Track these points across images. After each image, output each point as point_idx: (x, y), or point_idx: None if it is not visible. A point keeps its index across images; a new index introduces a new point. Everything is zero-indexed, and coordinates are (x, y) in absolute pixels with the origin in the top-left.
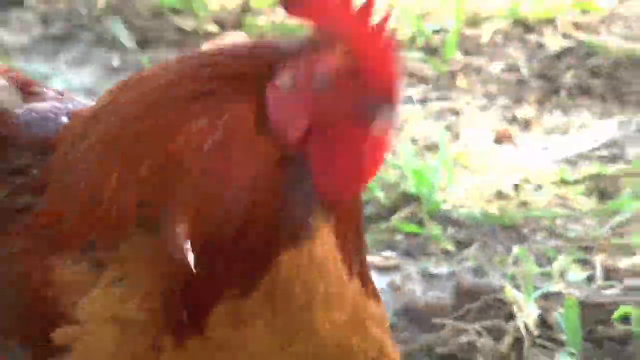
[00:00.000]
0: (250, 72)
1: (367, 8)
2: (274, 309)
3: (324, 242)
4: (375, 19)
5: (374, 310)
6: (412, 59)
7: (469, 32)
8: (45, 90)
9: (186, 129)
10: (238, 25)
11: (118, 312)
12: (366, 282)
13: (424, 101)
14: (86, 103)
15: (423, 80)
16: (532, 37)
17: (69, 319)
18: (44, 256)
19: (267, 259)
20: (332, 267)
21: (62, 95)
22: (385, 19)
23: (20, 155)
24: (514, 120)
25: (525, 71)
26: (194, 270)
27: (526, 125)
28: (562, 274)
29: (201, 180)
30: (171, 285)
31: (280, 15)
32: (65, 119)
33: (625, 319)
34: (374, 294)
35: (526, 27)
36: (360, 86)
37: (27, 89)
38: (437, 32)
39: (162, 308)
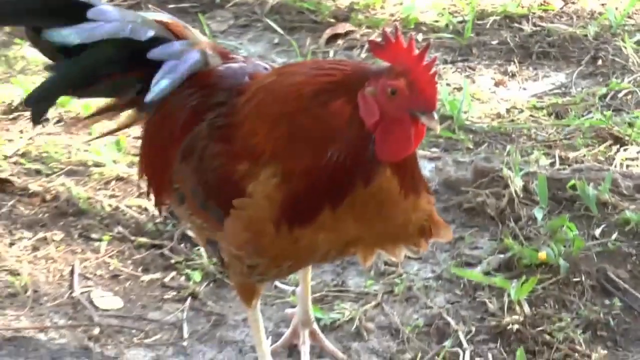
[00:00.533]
0: (350, 82)
1: (422, 52)
2: (360, 214)
3: (385, 180)
4: (425, 57)
5: (423, 199)
6: (446, 37)
7: (478, 21)
8: (236, 56)
9: (314, 109)
10: (347, 19)
11: (269, 194)
12: (418, 189)
13: (453, 62)
14: (259, 63)
15: (452, 49)
16: (515, 25)
17: (243, 194)
18: (234, 155)
19: (347, 189)
20: (394, 190)
21: (246, 59)
22: (433, 60)
23: (221, 94)
24: (505, 73)
25: (511, 44)
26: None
27: (512, 76)
28: (536, 161)
29: (316, 139)
30: (293, 198)
31: (374, 12)
32: (246, 75)
33: (573, 187)
34: (425, 188)
35: (512, 19)
36: (413, 99)
37: (225, 56)
38: (460, 22)
39: (286, 208)
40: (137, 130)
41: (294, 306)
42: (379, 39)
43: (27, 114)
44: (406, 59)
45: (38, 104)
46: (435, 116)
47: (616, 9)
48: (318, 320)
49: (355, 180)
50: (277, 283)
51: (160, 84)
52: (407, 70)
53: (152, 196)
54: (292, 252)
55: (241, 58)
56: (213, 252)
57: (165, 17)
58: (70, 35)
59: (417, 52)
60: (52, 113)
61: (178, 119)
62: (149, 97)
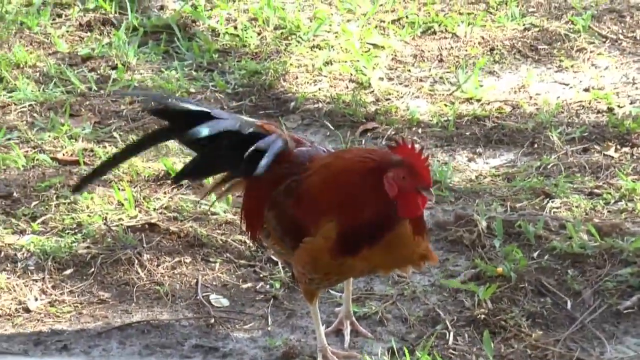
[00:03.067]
0: (378, 167)
1: (420, 151)
2: (385, 248)
3: (404, 227)
4: (422, 154)
5: (424, 242)
6: (436, 130)
7: (458, 120)
8: (305, 141)
9: (354, 185)
10: (373, 119)
11: (326, 235)
12: (422, 232)
13: (441, 146)
14: (320, 147)
15: (440, 138)
16: (481, 122)
17: (307, 234)
18: (303, 209)
19: (383, 234)
20: (407, 234)
21: (311, 145)
22: (426, 157)
23: (294, 168)
24: (475, 153)
25: (479, 135)
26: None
27: (479, 155)
28: (495, 209)
29: (360, 203)
30: (343, 238)
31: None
32: (311, 156)
33: (519, 226)
34: (425, 232)
35: (479, 118)
36: (417, 181)
37: (298, 142)
38: (445, 120)
39: (338, 245)
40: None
41: (340, 304)
42: (393, 143)
43: (169, 181)
44: (410, 156)
45: (184, 178)
46: (432, 191)
47: (545, 111)
48: (355, 313)
49: (385, 229)
50: (329, 290)
51: (263, 163)
52: (411, 164)
53: (249, 234)
54: (337, 271)
55: (308, 143)
56: (288, 268)
57: (259, 121)
58: (203, 129)
59: (417, 151)
60: (184, 180)
61: (269, 183)
62: (259, 170)
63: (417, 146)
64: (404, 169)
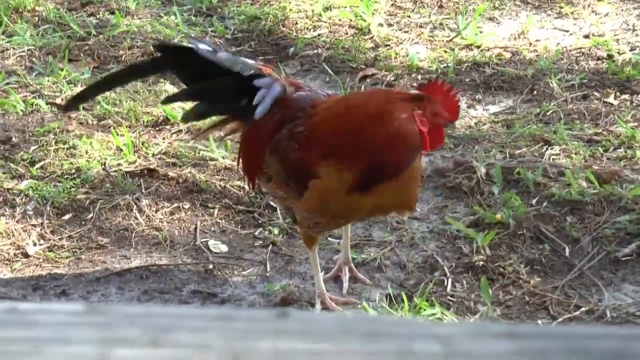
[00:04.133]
0: (408, 105)
1: (449, 88)
2: (398, 185)
3: (417, 164)
4: (451, 91)
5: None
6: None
7: (457, 66)
8: (303, 86)
9: (375, 121)
10: (373, 65)
11: (339, 175)
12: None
13: None
14: (319, 92)
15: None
16: (481, 68)
17: (316, 176)
18: (308, 150)
19: (401, 170)
20: (419, 170)
21: (310, 89)
22: (456, 92)
23: (295, 112)
24: (475, 99)
25: (478, 81)
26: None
27: (479, 101)
28: (494, 156)
29: (379, 140)
30: (360, 175)
31: (390, 61)
32: (312, 100)
33: (518, 173)
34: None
35: (478, 64)
36: (449, 116)
37: (297, 86)
38: (445, 67)
39: (354, 181)
40: (237, 136)
41: (338, 251)
42: (424, 81)
43: (168, 127)
44: (441, 93)
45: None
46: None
47: (545, 58)
48: (353, 259)
49: (405, 166)
50: (327, 237)
51: (261, 108)
52: (443, 102)
53: (247, 179)
54: (346, 213)
55: (307, 88)
56: (287, 214)
57: (258, 63)
58: (202, 46)
59: (446, 88)
60: (183, 125)
61: (268, 128)
62: (257, 114)
63: (446, 84)
64: (436, 105)
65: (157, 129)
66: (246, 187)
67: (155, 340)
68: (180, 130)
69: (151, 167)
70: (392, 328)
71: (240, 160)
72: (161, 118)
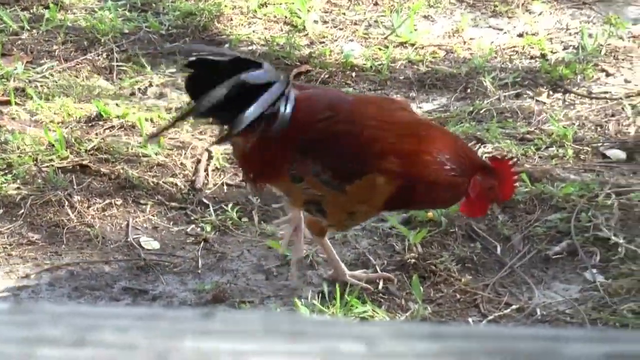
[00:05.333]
0: (472, 171)
1: (515, 173)
2: None
3: None
4: (515, 177)
5: None
6: (370, 74)
7: (391, 64)
8: (305, 85)
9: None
10: (307, 62)
11: (385, 190)
12: None
13: (375, 90)
14: (331, 90)
15: (374, 82)
16: (415, 66)
17: (370, 172)
18: (368, 148)
19: (427, 207)
20: None
21: (317, 87)
22: (516, 170)
23: (318, 110)
24: (409, 97)
25: (412, 79)
26: None
27: (413, 99)
28: None
29: (433, 174)
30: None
31: (324, 58)
32: (334, 97)
33: None
34: None
35: (413, 62)
36: (501, 196)
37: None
38: (379, 64)
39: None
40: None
41: (270, 248)
42: (498, 156)
43: (101, 122)
44: (505, 173)
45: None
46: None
47: (479, 56)
48: (285, 256)
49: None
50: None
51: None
52: (504, 181)
53: (258, 181)
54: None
55: (309, 86)
56: (312, 209)
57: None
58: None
59: (513, 171)
60: (116, 121)
61: (292, 129)
62: (237, 126)
63: (516, 167)
64: (496, 180)
65: (90, 124)
66: (179, 183)
67: (80, 340)
68: (113, 126)
69: (83, 163)
70: (317, 328)
71: (253, 166)
72: (94, 114)
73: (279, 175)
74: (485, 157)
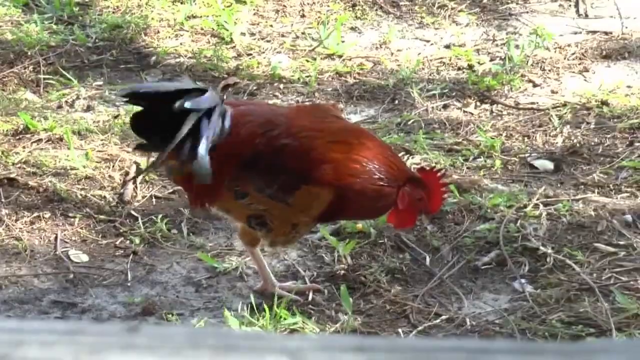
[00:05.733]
0: (400, 178)
1: (443, 184)
2: None
3: None
4: (444, 189)
5: None
6: (298, 86)
7: (319, 76)
8: (237, 101)
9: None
10: (235, 74)
11: (322, 202)
12: None
13: (303, 102)
14: (264, 104)
15: (302, 94)
16: (343, 78)
17: (309, 182)
18: (307, 158)
19: (356, 218)
20: None
21: (250, 102)
22: (445, 181)
23: (260, 125)
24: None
25: (340, 91)
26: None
27: (341, 110)
28: None
29: (365, 185)
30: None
31: (252, 70)
32: (271, 113)
33: None
34: None
35: (340, 74)
36: (430, 208)
37: (234, 105)
38: (307, 76)
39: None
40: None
41: (200, 260)
42: (426, 167)
43: (28, 136)
44: (434, 185)
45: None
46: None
47: (406, 67)
48: (215, 268)
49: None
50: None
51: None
52: (432, 193)
53: (201, 204)
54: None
55: (243, 102)
56: (254, 222)
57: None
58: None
59: (441, 182)
60: (44, 134)
61: (227, 149)
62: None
63: (445, 178)
64: (424, 192)
65: (17, 137)
66: (108, 196)
67: (5, 356)
68: (40, 140)
69: (11, 176)
70: (242, 342)
71: (197, 188)
72: (21, 127)
73: (221, 194)
74: (414, 168)
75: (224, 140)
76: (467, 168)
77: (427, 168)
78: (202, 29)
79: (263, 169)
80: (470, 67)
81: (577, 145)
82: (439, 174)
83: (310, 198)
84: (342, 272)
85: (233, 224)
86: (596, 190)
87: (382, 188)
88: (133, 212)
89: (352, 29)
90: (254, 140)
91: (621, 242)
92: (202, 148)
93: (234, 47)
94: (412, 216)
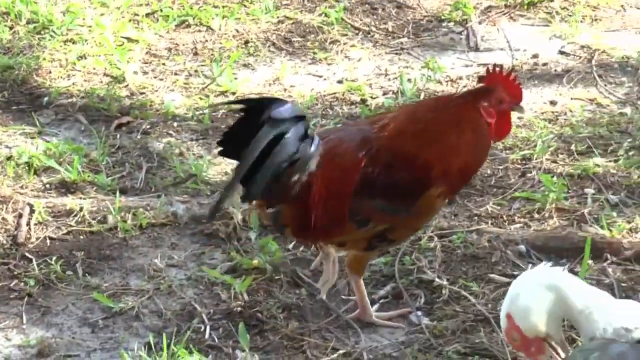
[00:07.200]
0: (475, 98)
1: (509, 74)
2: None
3: None
4: (512, 77)
5: None
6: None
7: (213, 113)
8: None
9: (445, 117)
10: (128, 113)
11: (442, 184)
12: None
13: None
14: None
15: (196, 132)
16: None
17: (427, 188)
18: (418, 169)
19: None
20: None
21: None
22: (515, 77)
23: (356, 148)
24: None
25: None
26: None
27: None
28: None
29: (464, 151)
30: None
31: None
32: (357, 132)
33: None
34: None
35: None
36: (514, 99)
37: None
38: (201, 114)
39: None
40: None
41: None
42: (483, 72)
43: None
44: (502, 79)
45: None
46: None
47: (300, 103)
48: (111, 308)
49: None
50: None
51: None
52: (505, 87)
53: (331, 237)
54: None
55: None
56: (376, 242)
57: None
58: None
59: (505, 73)
60: None
61: (338, 178)
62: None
63: (505, 68)
64: (500, 93)
65: None
66: (0, 238)
67: None
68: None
69: None
70: None
71: (319, 222)
72: None
73: (343, 228)
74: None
75: (328, 175)
76: None
77: (485, 73)
78: (94, 68)
79: (380, 190)
80: (363, 101)
81: None
82: (497, 70)
83: (431, 201)
84: (239, 309)
85: (330, 257)
86: (490, 221)
87: (475, 129)
88: (27, 254)
89: (245, 65)
90: (359, 166)
91: (515, 272)
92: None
93: (127, 86)
94: (507, 119)
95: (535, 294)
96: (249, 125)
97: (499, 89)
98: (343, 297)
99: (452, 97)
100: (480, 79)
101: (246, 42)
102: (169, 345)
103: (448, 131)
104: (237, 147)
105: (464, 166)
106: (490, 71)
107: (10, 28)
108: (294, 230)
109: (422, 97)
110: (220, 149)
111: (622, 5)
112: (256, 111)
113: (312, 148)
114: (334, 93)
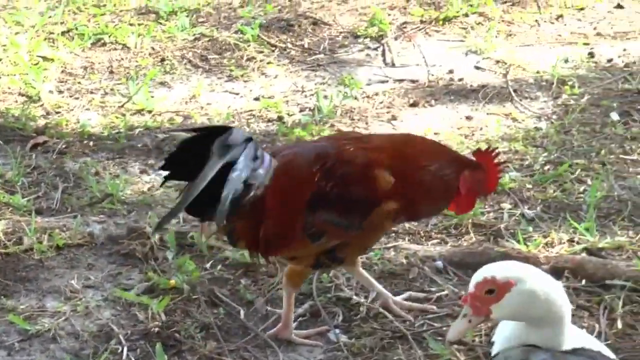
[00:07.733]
0: (460, 165)
1: (499, 165)
2: None
3: None
4: (501, 171)
5: None
6: (108, 142)
7: (129, 132)
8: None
9: (429, 172)
10: (44, 133)
11: (394, 203)
12: None
13: (113, 158)
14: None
15: (112, 150)
16: (153, 133)
17: (377, 205)
18: (374, 184)
19: (428, 217)
20: None
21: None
22: (500, 163)
23: (311, 164)
24: (147, 164)
25: (150, 146)
26: None
27: (151, 166)
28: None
29: (429, 187)
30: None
31: (60, 128)
32: (318, 149)
33: (192, 237)
34: None
35: (151, 129)
36: (487, 188)
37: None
38: (117, 132)
39: (398, 211)
40: None
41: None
42: (482, 147)
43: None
44: (490, 164)
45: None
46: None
47: (217, 121)
48: (27, 331)
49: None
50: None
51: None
52: (488, 172)
53: (282, 250)
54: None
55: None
56: (324, 258)
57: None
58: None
59: (497, 163)
60: None
61: (292, 191)
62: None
63: (498, 157)
64: (482, 174)
65: None
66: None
67: None
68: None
69: None
70: None
71: (270, 235)
72: None
73: (296, 241)
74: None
75: (279, 188)
76: None
77: (482, 150)
78: (9, 87)
79: (334, 203)
80: (280, 118)
81: None
82: (492, 154)
83: (382, 216)
84: (157, 329)
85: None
86: (407, 238)
87: (447, 180)
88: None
89: (162, 83)
90: (314, 178)
91: (433, 289)
92: (227, 193)
93: (42, 105)
94: (473, 199)
95: (546, 282)
96: (196, 149)
97: (483, 172)
98: (261, 315)
99: (455, 151)
100: (476, 153)
101: (162, 60)
102: None
103: (427, 168)
104: (183, 169)
105: (420, 202)
106: (486, 151)
107: None
108: (247, 244)
109: (338, 113)
110: (166, 172)
111: (536, 21)
112: (202, 137)
113: (265, 165)
114: (251, 110)
